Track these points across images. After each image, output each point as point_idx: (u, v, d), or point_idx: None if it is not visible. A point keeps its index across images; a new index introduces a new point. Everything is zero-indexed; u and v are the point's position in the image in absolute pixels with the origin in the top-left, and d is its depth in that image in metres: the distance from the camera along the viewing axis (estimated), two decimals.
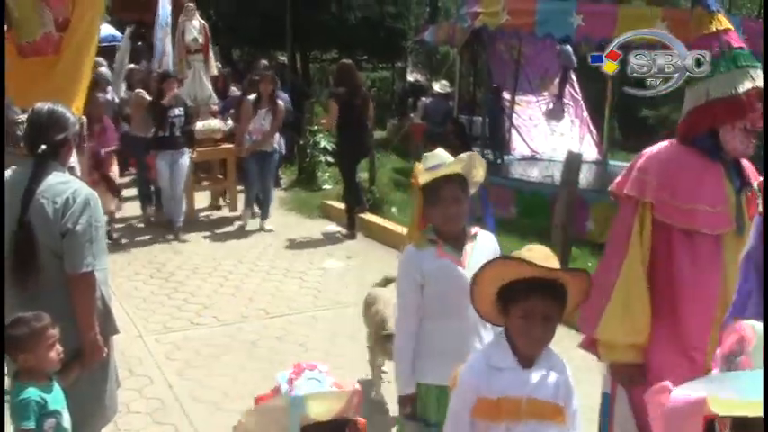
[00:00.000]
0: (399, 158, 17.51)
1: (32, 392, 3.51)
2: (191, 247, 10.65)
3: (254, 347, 7.33)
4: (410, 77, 28.83)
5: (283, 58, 21.12)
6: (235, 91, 14.41)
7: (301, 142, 14.78)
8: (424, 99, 18.21)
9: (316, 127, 14.69)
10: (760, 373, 1.89)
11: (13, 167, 4.20)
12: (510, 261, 2.91)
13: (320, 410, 2.41)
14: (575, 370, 3.16)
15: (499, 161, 15.57)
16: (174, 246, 10.67)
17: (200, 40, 12.35)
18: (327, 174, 14.62)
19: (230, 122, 12.55)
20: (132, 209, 12.04)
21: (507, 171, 14.87)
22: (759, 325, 2.07)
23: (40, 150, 4.01)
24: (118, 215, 10.99)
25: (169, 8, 12.79)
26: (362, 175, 12.21)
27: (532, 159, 16.22)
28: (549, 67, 17.76)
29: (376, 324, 6.02)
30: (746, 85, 3.58)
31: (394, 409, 4.89)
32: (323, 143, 14.55)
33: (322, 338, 7.54)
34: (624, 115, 20.06)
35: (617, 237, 3.81)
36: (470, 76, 18.01)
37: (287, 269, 9.73)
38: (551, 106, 17.69)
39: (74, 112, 7.00)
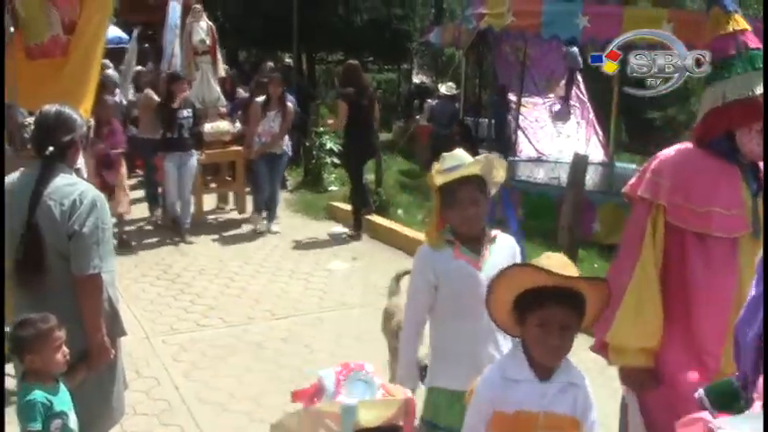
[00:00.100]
0: (405, 160, 17.53)
1: (38, 394, 3.51)
2: (197, 249, 10.66)
3: (259, 349, 7.33)
4: (416, 79, 28.85)
5: (289, 60, 21.11)
6: (242, 93, 14.42)
7: (307, 144, 14.79)
8: (429, 101, 18.23)
9: (322, 128, 14.70)
10: None
11: (21, 169, 4.20)
12: (526, 268, 2.84)
13: (370, 418, 2.39)
14: (585, 373, 3.10)
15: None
16: (180, 247, 10.68)
17: (208, 42, 12.31)
18: (333, 175, 14.62)
19: (238, 124, 12.54)
20: (139, 211, 12.04)
21: (513, 173, 14.84)
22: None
23: (47, 152, 4.01)
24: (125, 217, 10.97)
25: (179, 10, 12.79)
26: (369, 177, 12.21)
27: (539, 161, 16.22)
28: (554, 68, 17.78)
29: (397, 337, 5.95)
30: (764, 87, 3.49)
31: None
32: (329, 145, 14.56)
33: (327, 340, 7.54)
34: (630, 117, 20.06)
35: (630, 239, 3.77)
36: (476, 77, 18.02)
37: (293, 270, 9.74)
38: (557, 108, 17.69)
39: (81, 114, 7.04)
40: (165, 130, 10.75)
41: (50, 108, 4.18)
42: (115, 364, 4.30)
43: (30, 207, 3.90)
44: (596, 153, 16.28)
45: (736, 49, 3.58)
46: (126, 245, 10.34)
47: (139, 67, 14.54)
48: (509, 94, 16.99)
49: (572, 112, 17.65)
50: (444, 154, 3.89)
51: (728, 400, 2.77)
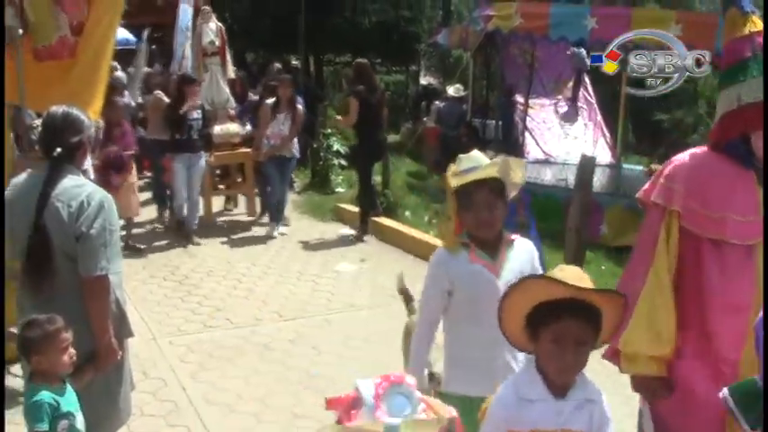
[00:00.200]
0: (413, 162, 17.54)
1: (45, 395, 3.51)
2: (205, 251, 10.67)
3: (267, 350, 7.33)
4: (423, 81, 28.85)
5: (296, 62, 21.14)
6: (253, 96, 14.40)
7: (315, 145, 14.79)
8: (437, 102, 18.21)
9: (329, 130, 14.70)
10: None
11: (29, 170, 4.21)
12: (540, 281, 2.77)
13: None
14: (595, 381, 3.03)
15: None
16: (188, 249, 10.69)
17: (217, 43, 12.29)
18: (341, 177, 14.64)
19: (249, 126, 12.51)
20: (147, 212, 12.06)
21: None
22: None
23: (55, 153, 4.01)
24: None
25: (190, 12, 12.79)
26: (376, 179, 12.21)
27: (546, 162, 16.19)
28: (562, 70, 17.73)
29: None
30: (764, 87, 3.38)
31: None
32: (336, 146, 14.57)
33: (335, 341, 7.53)
34: (638, 118, 20.00)
35: (643, 245, 3.67)
36: (484, 79, 18.02)
37: (300, 272, 9.74)
38: (565, 109, 17.66)
39: (90, 116, 7.05)
40: (173, 131, 10.70)
41: (58, 109, 4.19)
42: (122, 365, 4.30)
43: (37, 208, 3.90)
44: (604, 155, 16.25)
45: (752, 52, 3.46)
46: (133, 249, 10.34)
47: (147, 69, 14.56)
48: (516, 95, 16.97)
49: (579, 113, 17.61)
50: (461, 155, 3.82)
51: (752, 400, 2.77)
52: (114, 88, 10.24)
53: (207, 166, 11.32)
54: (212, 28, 12.31)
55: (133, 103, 13.06)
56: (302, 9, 19.45)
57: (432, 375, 4.02)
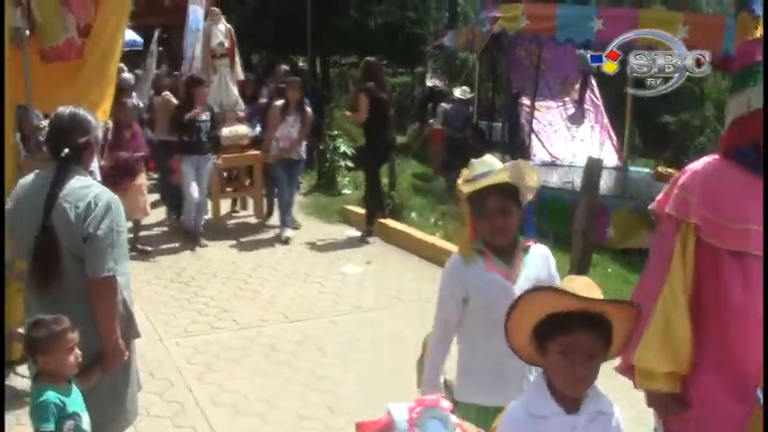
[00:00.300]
0: (419, 164, 17.54)
1: (51, 395, 3.52)
2: (211, 252, 10.68)
3: (273, 352, 7.34)
4: (429, 83, 28.78)
5: (303, 64, 21.15)
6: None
7: (321, 147, 14.79)
8: (443, 104, 18.20)
9: (336, 132, 14.69)
10: None
11: (36, 171, 4.22)
12: (548, 292, 2.68)
13: None
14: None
15: None
16: (194, 251, 10.71)
17: (226, 45, 12.25)
18: (347, 178, 14.65)
19: (259, 128, 12.47)
20: (153, 214, 12.02)
21: None
22: None
23: (62, 154, 4.02)
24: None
25: (201, 13, 12.79)
26: (383, 180, 12.20)
27: (552, 165, 16.18)
28: (569, 72, 17.72)
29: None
30: (764, 88, 3.28)
31: None
32: (342, 148, 14.58)
33: (341, 343, 7.54)
34: (644, 121, 19.98)
35: (657, 257, 3.55)
36: (490, 81, 18.00)
37: (306, 274, 9.74)
38: (572, 111, 17.64)
39: (99, 117, 7.07)
40: (181, 133, 10.66)
41: (65, 110, 4.19)
42: (129, 365, 4.30)
43: (45, 209, 3.90)
44: (610, 157, 16.24)
45: (762, 56, 3.34)
46: (141, 251, 10.36)
47: (156, 70, 14.57)
48: (522, 97, 16.95)
49: (586, 116, 17.60)
50: (473, 160, 3.73)
51: None
52: (122, 89, 10.24)
53: (215, 168, 11.28)
54: (221, 29, 12.27)
55: (141, 104, 13.07)
56: (308, 10, 19.46)
57: (444, 383, 3.98)
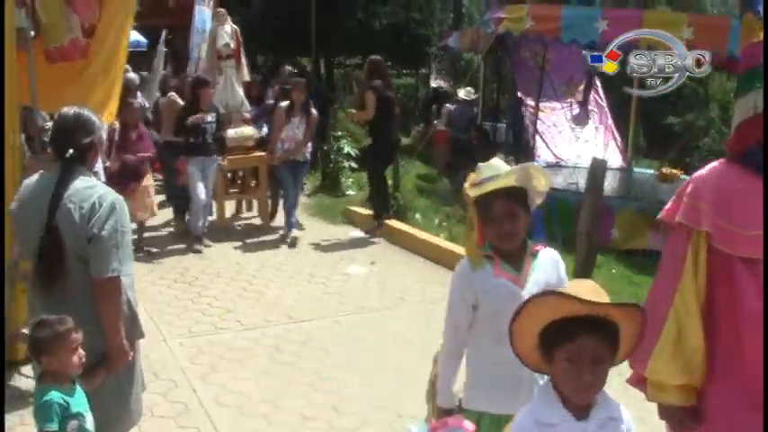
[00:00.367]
0: (423, 165, 17.55)
1: (55, 395, 3.52)
2: (214, 253, 10.68)
3: (277, 352, 7.34)
4: (434, 84, 28.78)
5: (307, 65, 21.17)
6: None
7: (325, 148, 14.79)
8: (448, 105, 18.20)
9: (339, 132, 14.69)
10: None
11: (40, 172, 4.22)
12: (552, 296, 2.61)
13: None
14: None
15: None
16: (197, 251, 10.70)
17: (232, 46, 12.22)
18: (351, 179, 14.65)
19: (265, 129, 12.40)
20: (158, 214, 12.06)
21: None
22: None
23: (67, 154, 4.02)
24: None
25: (208, 13, 12.78)
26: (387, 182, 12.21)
27: (557, 166, 16.16)
28: (573, 73, 17.72)
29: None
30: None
31: None
32: (346, 149, 14.58)
33: (345, 343, 7.53)
34: (649, 122, 19.98)
35: (668, 267, 3.44)
36: (494, 82, 18.00)
37: (310, 274, 9.74)
38: (576, 111, 17.64)
39: (106, 118, 7.10)
40: (185, 135, 10.60)
41: (69, 110, 4.18)
42: (134, 366, 4.31)
43: (50, 210, 3.90)
44: (614, 158, 16.23)
45: (763, 57, 3.27)
46: (145, 252, 10.37)
47: (163, 71, 14.57)
48: (527, 98, 16.94)
49: (590, 116, 17.59)
50: (480, 164, 3.65)
51: None
52: (128, 89, 10.24)
53: (219, 169, 11.27)
54: (227, 30, 12.24)
55: (147, 104, 13.06)
56: (312, 12, 19.48)
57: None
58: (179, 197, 11.60)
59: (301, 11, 21.14)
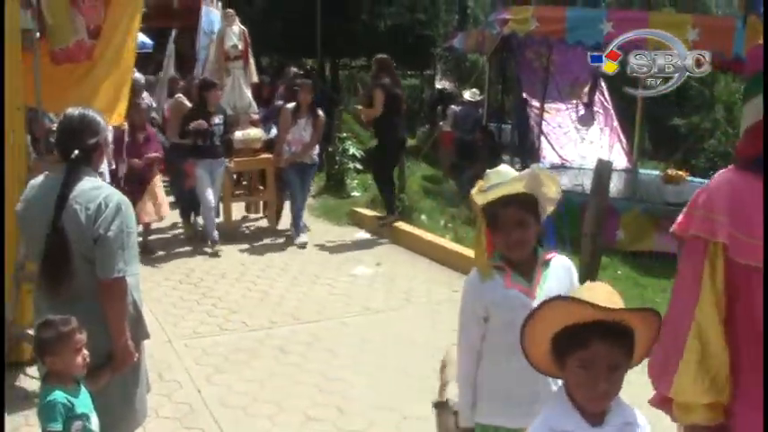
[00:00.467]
0: (429, 166, 17.54)
1: (59, 395, 3.53)
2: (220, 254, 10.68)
3: (282, 353, 7.33)
4: (439, 85, 28.81)
5: (312, 66, 21.19)
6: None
7: (330, 149, 14.79)
8: (453, 107, 18.20)
9: (345, 134, 14.68)
10: None
11: (45, 173, 4.22)
12: (565, 302, 2.53)
13: None
14: None
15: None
16: (202, 252, 10.72)
17: (240, 47, 12.17)
18: (356, 181, 14.65)
19: (274, 131, 12.33)
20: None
21: None
22: None
23: (73, 155, 4.02)
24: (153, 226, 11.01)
25: (216, 14, 12.75)
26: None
27: (562, 167, 16.15)
28: (579, 74, 17.71)
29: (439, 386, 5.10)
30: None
31: None
32: (352, 150, 14.59)
33: (351, 345, 7.53)
34: (654, 123, 19.97)
35: (685, 282, 3.26)
36: (499, 83, 18.00)
37: (316, 275, 9.75)
38: (581, 114, 17.63)
39: (115, 119, 7.11)
40: (194, 137, 10.52)
41: (74, 111, 4.19)
42: (139, 366, 4.31)
43: (56, 211, 3.90)
44: (620, 160, 16.21)
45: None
46: (150, 253, 10.37)
47: (167, 73, 14.55)
48: (532, 99, 16.94)
49: (595, 118, 17.58)
50: (488, 171, 3.53)
51: None
52: (133, 90, 10.23)
53: (226, 171, 11.23)
54: (235, 31, 12.16)
55: (154, 104, 13.04)
56: (318, 13, 19.50)
57: (446, 403, 3.90)
58: (185, 200, 11.60)
59: (306, 12, 21.15)
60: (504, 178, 3.43)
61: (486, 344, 3.54)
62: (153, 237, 11.04)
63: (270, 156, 11.83)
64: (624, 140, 17.33)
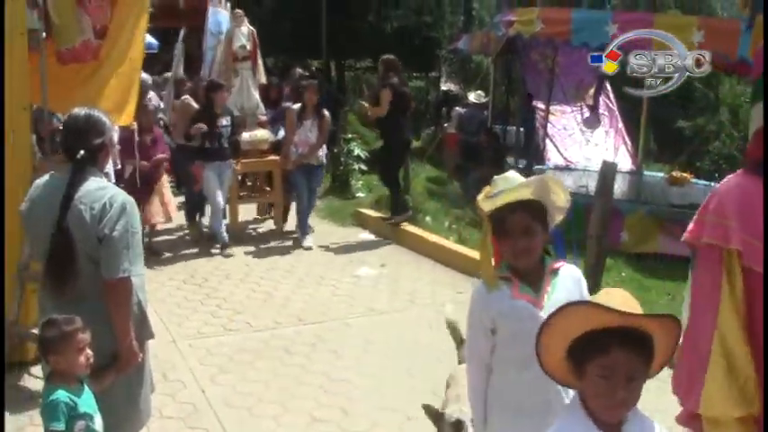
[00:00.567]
0: (434, 168, 17.54)
1: (62, 394, 3.54)
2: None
3: (287, 354, 7.33)
4: (444, 87, 28.79)
5: (318, 67, 21.17)
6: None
7: (335, 150, 14.79)
8: (458, 108, 18.20)
9: (350, 135, 14.67)
10: None
11: (51, 173, 4.23)
12: (582, 307, 2.47)
13: None
14: None
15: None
16: (206, 252, 10.73)
17: (248, 47, 12.09)
18: (361, 182, 14.64)
19: (282, 133, 12.28)
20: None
21: None
22: None
23: (78, 156, 4.03)
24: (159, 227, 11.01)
25: (225, 15, 12.73)
26: None
27: (567, 169, 16.14)
28: (584, 76, 17.69)
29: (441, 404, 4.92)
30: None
31: None
32: (357, 151, 14.58)
33: (355, 346, 7.53)
34: (659, 126, 19.96)
35: (703, 290, 3.20)
36: (504, 85, 18.00)
37: (320, 276, 9.75)
38: (586, 116, 17.63)
39: (124, 120, 7.12)
40: (201, 139, 10.47)
41: (80, 111, 4.19)
42: (143, 366, 4.31)
43: (61, 211, 3.91)
44: (625, 162, 16.21)
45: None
46: (155, 253, 10.37)
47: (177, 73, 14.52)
48: (537, 101, 16.93)
49: (601, 120, 17.57)
50: (495, 177, 3.43)
51: None
52: (141, 91, 10.21)
53: (234, 174, 11.20)
54: (244, 32, 12.06)
55: (162, 105, 13.02)
56: (323, 14, 19.48)
57: (457, 425, 3.88)
58: (191, 202, 11.60)
59: (312, 13, 21.13)
60: (511, 184, 3.34)
61: (496, 357, 3.45)
62: (159, 238, 11.05)
63: (277, 158, 11.71)
64: (629, 142, 17.32)
